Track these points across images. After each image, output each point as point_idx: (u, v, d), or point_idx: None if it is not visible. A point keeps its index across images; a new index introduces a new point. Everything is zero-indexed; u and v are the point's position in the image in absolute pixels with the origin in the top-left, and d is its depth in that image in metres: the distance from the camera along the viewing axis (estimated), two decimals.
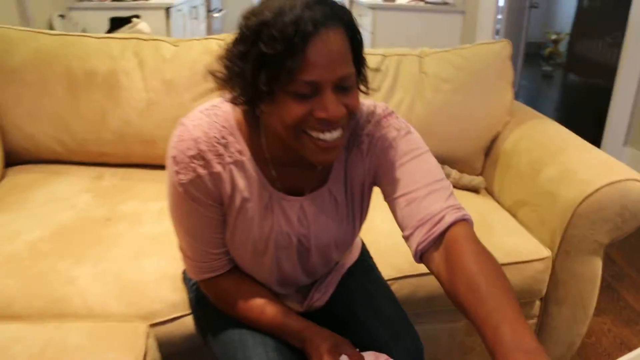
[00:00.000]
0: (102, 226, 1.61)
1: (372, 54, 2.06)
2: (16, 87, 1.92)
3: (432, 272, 0.98)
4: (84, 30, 3.65)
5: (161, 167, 1.89)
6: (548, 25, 7.76)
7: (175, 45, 1.99)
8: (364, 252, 1.41)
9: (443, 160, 2.00)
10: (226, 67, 0.94)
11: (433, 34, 4.40)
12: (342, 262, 1.31)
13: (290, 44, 0.83)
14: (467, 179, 1.95)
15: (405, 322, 1.22)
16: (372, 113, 1.08)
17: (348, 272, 1.31)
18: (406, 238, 1.01)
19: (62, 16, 3.54)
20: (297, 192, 1.09)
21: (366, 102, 1.08)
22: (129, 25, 3.65)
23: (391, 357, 1.08)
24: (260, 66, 0.87)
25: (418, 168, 1.02)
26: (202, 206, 1.04)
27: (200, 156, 0.99)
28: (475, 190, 1.95)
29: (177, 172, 1.00)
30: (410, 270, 1.53)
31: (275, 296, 1.18)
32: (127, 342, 1.17)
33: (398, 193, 1.02)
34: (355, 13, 4.43)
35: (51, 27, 3.42)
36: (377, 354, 1.08)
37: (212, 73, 0.96)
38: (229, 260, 1.16)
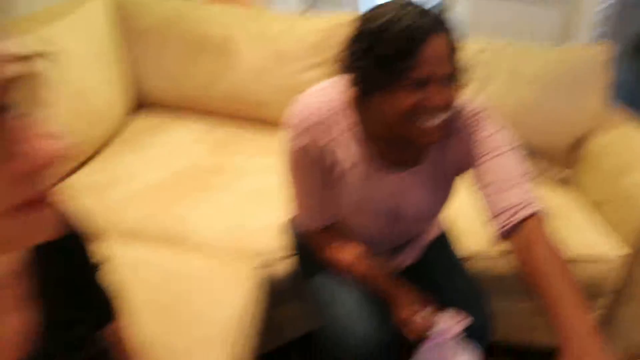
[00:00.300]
0: (212, 174, 1.80)
1: (469, 46, 2.14)
2: (143, 45, 2.14)
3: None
4: None
5: (267, 126, 2.09)
6: None
7: (288, 19, 2.15)
8: (445, 229, 1.54)
9: (532, 153, 2.09)
10: (347, 60, 1.11)
11: (531, 24, 4.29)
12: (427, 233, 1.45)
13: (405, 47, 1.00)
14: (554, 171, 2.05)
15: (477, 295, 1.35)
16: (472, 109, 1.21)
17: (431, 244, 1.45)
18: (489, 222, 1.15)
19: None
20: (397, 167, 1.23)
21: (468, 98, 1.21)
22: None
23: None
24: (379, 63, 1.04)
25: (506, 162, 1.15)
26: (312, 169, 1.21)
27: (313, 128, 1.16)
28: (561, 183, 2.04)
29: (293, 139, 1.19)
30: (484, 251, 1.65)
31: (368, 253, 1.33)
32: (240, 275, 1.36)
33: (486, 182, 1.15)
34: None
35: None
36: (455, 313, 1.20)
37: (335, 60, 1.14)
38: (333, 215, 1.31)
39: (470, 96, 1.22)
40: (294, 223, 1.44)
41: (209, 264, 1.38)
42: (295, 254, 1.48)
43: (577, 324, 0.93)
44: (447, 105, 1.07)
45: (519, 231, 1.09)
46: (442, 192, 1.29)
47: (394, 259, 1.41)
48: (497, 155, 1.16)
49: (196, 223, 1.56)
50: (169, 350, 1.09)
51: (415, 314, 1.19)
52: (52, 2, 2.04)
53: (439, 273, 1.39)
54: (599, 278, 1.70)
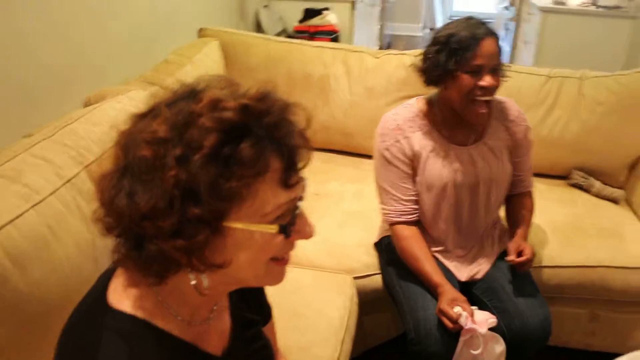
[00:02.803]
0: (312, 200, 2.16)
1: (535, 74, 2.41)
2: (248, 82, 2.50)
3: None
4: (280, 19, 4.25)
5: (356, 155, 2.44)
6: None
7: (376, 57, 2.48)
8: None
9: (590, 172, 2.35)
10: (425, 59, 1.62)
11: (601, 41, 4.29)
12: (499, 246, 1.79)
13: (468, 43, 1.52)
14: (609, 190, 2.30)
15: (539, 299, 1.66)
16: (517, 109, 1.77)
17: (499, 257, 1.77)
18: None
19: (266, 6, 4.16)
20: (464, 144, 1.70)
21: (514, 102, 1.78)
22: (320, 16, 4.19)
23: (525, 323, 1.53)
24: (450, 54, 1.54)
25: (529, 159, 1.80)
26: (398, 164, 1.67)
27: (397, 128, 1.67)
28: (615, 201, 2.28)
29: (382, 141, 1.69)
30: (548, 262, 1.95)
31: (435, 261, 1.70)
32: (340, 286, 1.72)
33: (517, 167, 1.78)
34: (524, 12, 4.54)
35: (258, 17, 4.05)
36: (488, 314, 1.49)
37: (417, 66, 1.66)
38: (415, 209, 1.71)
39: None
40: (382, 229, 1.86)
41: (317, 277, 1.75)
42: (383, 270, 1.84)
43: (521, 233, 1.71)
44: (495, 87, 1.57)
45: (520, 196, 1.82)
46: (502, 163, 1.72)
47: (467, 269, 1.75)
48: (527, 152, 1.78)
49: (303, 244, 1.93)
50: (290, 347, 1.43)
51: (453, 307, 1.50)
52: (181, 44, 2.49)
53: (509, 278, 1.70)
54: None
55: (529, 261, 1.64)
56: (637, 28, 4.24)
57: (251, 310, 1.01)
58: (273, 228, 0.74)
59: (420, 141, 1.67)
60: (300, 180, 0.78)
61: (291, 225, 0.77)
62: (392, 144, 1.67)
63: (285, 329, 1.50)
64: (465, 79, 1.54)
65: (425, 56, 1.62)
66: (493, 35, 1.55)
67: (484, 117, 1.62)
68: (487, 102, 1.58)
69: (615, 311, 2.04)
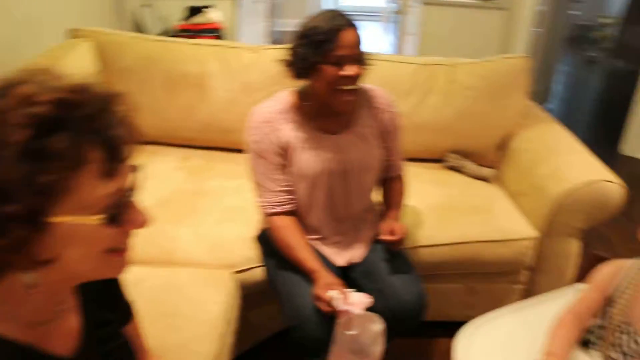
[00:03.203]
0: (193, 198, 2.14)
1: (410, 63, 2.50)
2: (124, 83, 2.45)
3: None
4: (162, 18, 4.16)
5: (237, 151, 2.42)
6: (603, 8, 7.53)
7: (253, 53, 2.48)
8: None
9: (464, 154, 2.46)
10: (290, 53, 1.63)
11: (477, 30, 4.59)
12: (375, 230, 1.82)
13: (329, 35, 1.54)
14: (480, 170, 2.42)
15: (414, 277, 1.72)
16: (386, 96, 1.81)
17: (375, 240, 1.82)
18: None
19: (146, 5, 4.06)
20: (334, 133, 1.73)
21: (382, 89, 1.83)
22: (201, 14, 4.14)
23: (400, 300, 1.58)
24: (312, 47, 1.56)
25: (398, 143, 1.85)
26: (270, 156, 1.68)
27: (267, 121, 1.68)
28: (486, 179, 2.41)
29: (253, 134, 1.69)
30: (425, 242, 2.02)
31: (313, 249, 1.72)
32: (219, 283, 1.71)
33: (388, 151, 1.83)
34: (407, 5, 4.72)
35: (138, 16, 3.95)
36: (364, 295, 1.52)
37: (284, 60, 1.66)
38: (290, 199, 1.72)
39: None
40: (262, 222, 1.85)
41: (194, 275, 1.73)
42: (263, 262, 1.85)
43: (393, 214, 1.79)
44: (357, 76, 1.61)
45: (391, 180, 1.88)
46: (372, 149, 1.77)
47: (344, 254, 1.80)
48: (396, 137, 1.83)
49: (182, 241, 1.91)
50: (167, 346, 1.42)
51: (327, 291, 1.52)
52: (51, 44, 2.38)
53: (386, 259, 1.76)
54: (519, 256, 2.08)
55: (401, 239, 1.69)
56: (507, 18, 4.60)
57: (105, 308, 0.99)
58: (98, 219, 0.73)
59: (291, 132, 1.69)
60: (129, 170, 0.78)
61: (119, 215, 0.76)
62: (262, 137, 1.68)
63: (161, 328, 1.49)
64: (329, 70, 1.57)
65: (290, 50, 1.65)
66: (353, 25, 1.59)
67: (350, 104, 1.66)
68: (352, 90, 1.62)
69: (490, 282, 2.16)
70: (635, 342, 1.27)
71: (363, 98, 1.76)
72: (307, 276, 1.64)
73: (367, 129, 1.76)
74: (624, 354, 1.29)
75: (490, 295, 2.16)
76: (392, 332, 1.57)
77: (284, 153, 1.69)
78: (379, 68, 2.39)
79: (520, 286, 2.17)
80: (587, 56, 7.15)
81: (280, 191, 1.71)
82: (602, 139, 4.59)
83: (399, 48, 5.58)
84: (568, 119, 5.07)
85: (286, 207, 1.72)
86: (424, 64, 2.50)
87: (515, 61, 2.47)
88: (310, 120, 1.71)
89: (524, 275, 2.16)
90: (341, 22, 1.56)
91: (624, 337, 1.29)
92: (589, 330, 1.38)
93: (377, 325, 1.55)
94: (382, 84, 1.87)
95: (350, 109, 1.71)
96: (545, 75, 5.07)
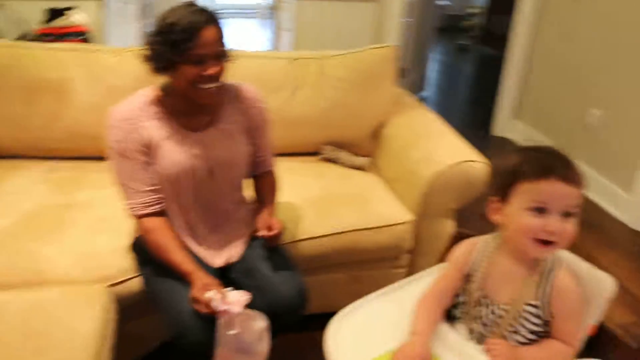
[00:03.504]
0: (60, 211, 2.02)
1: (281, 58, 2.50)
2: None
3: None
4: (18, 20, 3.89)
5: (106, 160, 2.30)
6: None
7: (116, 55, 2.37)
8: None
9: (340, 145, 2.49)
10: (150, 51, 1.57)
11: (350, 24, 4.65)
12: (250, 227, 1.80)
13: (188, 34, 1.48)
14: (354, 159, 2.46)
15: (292, 271, 1.72)
16: (253, 91, 1.78)
17: (252, 237, 1.80)
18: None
19: None
20: (199, 129, 1.68)
21: (250, 85, 1.79)
22: (63, 17, 3.92)
23: (280, 296, 1.58)
24: (171, 46, 1.49)
25: (268, 139, 1.84)
26: (133, 154, 1.61)
27: (127, 119, 1.61)
28: (361, 168, 2.45)
29: (113, 134, 1.61)
30: (305, 235, 2.02)
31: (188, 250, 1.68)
32: (92, 298, 1.61)
33: (257, 147, 1.81)
34: (281, 1, 4.71)
35: None
36: (242, 293, 1.51)
37: (143, 55, 1.59)
38: (159, 199, 1.66)
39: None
40: (135, 229, 1.77)
41: (64, 294, 1.62)
42: (138, 271, 1.77)
43: (267, 210, 1.77)
44: (219, 74, 1.58)
45: (263, 176, 1.86)
46: (238, 146, 1.74)
47: (221, 254, 1.76)
48: (266, 132, 1.81)
49: (50, 259, 1.79)
50: None
51: (205, 292, 1.49)
52: None
53: (264, 256, 1.74)
54: (397, 240, 2.13)
55: (279, 234, 1.68)
56: (379, 10, 4.69)
57: None
58: None
59: (154, 129, 1.63)
60: None
61: None
62: (124, 135, 1.61)
63: (28, 351, 1.39)
64: (189, 69, 1.52)
65: (149, 46, 1.58)
66: (213, 21, 1.53)
67: (213, 96, 1.62)
68: (216, 87, 1.58)
69: (373, 269, 2.20)
70: (493, 312, 1.33)
71: (229, 94, 1.73)
72: (184, 280, 1.59)
73: (233, 125, 1.73)
74: (484, 325, 1.35)
75: (374, 282, 2.16)
76: (275, 328, 1.56)
77: (148, 150, 1.63)
78: (250, 65, 2.41)
79: (402, 270, 2.22)
80: (458, 44, 7.56)
81: (147, 191, 1.64)
82: (476, 122, 4.81)
83: (275, 44, 5.58)
84: (444, 105, 5.33)
85: (155, 207, 1.66)
86: (295, 58, 2.50)
87: (382, 51, 2.53)
88: (174, 117, 1.66)
89: (405, 259, 2.21)
90: (200, 19, 1.50)
91: (483, 309, 1.35)
92: (454, 306, 1.44)
93: (260, 323, 1.53)
94: (254, 80, 1.85)
95: (214, 101, 1.66)
96: (420, 64, 5.25)
